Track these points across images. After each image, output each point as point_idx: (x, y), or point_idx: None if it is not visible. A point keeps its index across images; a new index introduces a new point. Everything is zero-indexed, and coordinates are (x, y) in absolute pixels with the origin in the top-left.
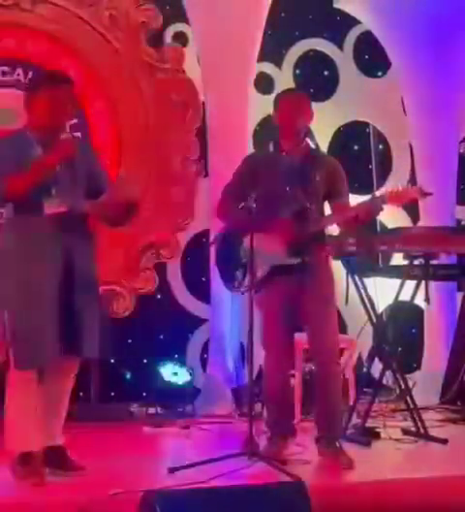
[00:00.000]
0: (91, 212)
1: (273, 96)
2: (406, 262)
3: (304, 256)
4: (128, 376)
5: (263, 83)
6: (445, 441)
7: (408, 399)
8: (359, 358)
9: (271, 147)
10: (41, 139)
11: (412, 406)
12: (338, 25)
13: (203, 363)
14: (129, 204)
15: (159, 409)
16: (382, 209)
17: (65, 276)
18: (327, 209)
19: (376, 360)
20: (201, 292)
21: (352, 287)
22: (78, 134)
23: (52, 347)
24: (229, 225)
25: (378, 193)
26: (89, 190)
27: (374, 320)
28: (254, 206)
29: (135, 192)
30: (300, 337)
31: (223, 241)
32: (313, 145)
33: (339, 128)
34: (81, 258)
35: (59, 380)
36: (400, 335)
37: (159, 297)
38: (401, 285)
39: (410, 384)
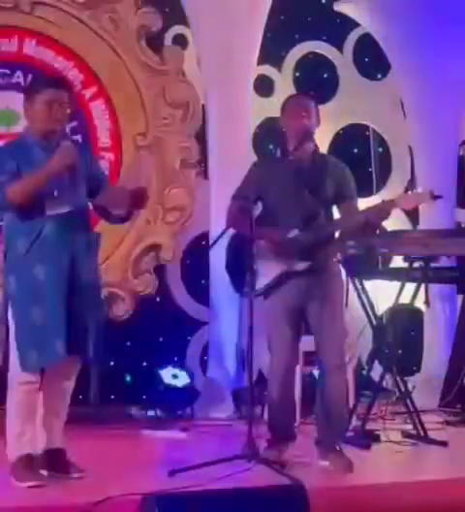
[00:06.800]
0: (98, 203)
1: (273, 99)
2: (406, 264)
3: (313, 261)
4: (127, 379)
5: (263, 86)
6: (444, 444)
7: (408, 401)
8: (359, 360)
9: (278, 152)
10: (41, 142)
11: (412, 409)
12: (338, 28)
13: (203, 365)
14: (138, 190)
15: (158, 412)
16: (390, 213)
17: (68, 277)
18: (336, 213)
19: (376, 362)
20: (201, 295)
21: (351, 290)
22: (79, 136)
23: (57, 348)
24: (239, 231)
25: (388, 197)
26: (89, 191)
27: (374, 323)
28: (254, 206)
29: (143, 179)
30: (301, 341)
31: (233, 246)
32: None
33: (339, 131)
34: (84, 259)
35: (60, 381)
36: (400, 337)
37: (158, 299)
38: (401, 288)
39: (410, 387)
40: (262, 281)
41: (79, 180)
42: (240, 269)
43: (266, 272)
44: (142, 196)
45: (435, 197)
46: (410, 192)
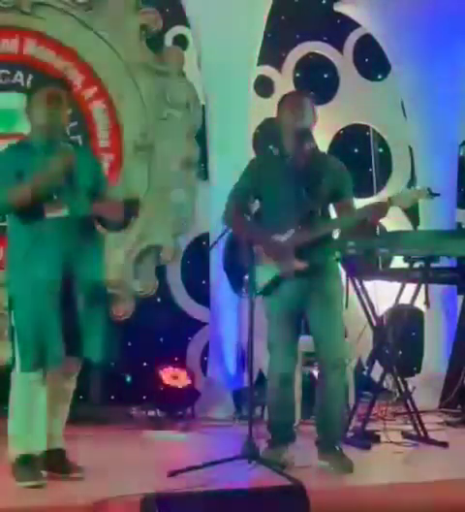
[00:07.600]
0: (93, 213)
1: (273, 99)
2: (406, 265)
3: (311, 260)
4: (128, 379)
5: (264, 86)
6: (445, 445)
7: (408, 402)
8: (360, 361)
9: (276, 151)
10: (42, 143)
11: (412, 410)
12: (338, 28)
13: (203, 366)
14: (129, 202)
15: (159, 412)
16: (387, 211)
17: (69, 279)
18: (332, 211)
19: (376, 363)
20: (201, 295)
21: (351, 290)
22: (78, 137)
23: (57, 349)
24: (235, 232)
25: (385, 195)
26: (90, 193)
27: (374, 323)
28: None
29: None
30: (301, 340)
31: (230, 246)
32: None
33: (339, 131)
34: (84, 260)
35: (61, 382)
36: (400, 338)
37: (159, 300)
38: (401, 288)
39: (410, 387)
40: (259, 282)
41: (80, 183)
42: (238, 269)
43: (264, 272)
44: (135, 205)
45: (433, 194)
46: (407, 190)
